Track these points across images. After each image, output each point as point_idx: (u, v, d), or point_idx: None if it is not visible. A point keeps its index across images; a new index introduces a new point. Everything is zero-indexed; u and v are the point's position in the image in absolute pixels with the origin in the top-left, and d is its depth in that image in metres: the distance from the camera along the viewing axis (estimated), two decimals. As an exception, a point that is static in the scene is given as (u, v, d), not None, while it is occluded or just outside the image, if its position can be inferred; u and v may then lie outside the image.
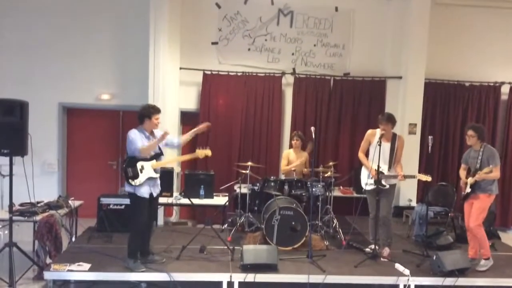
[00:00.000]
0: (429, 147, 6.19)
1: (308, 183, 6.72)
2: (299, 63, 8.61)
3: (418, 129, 8.38)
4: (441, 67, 8.60)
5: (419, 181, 8.33)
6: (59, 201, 6.40)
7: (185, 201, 6.88)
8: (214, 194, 7.38)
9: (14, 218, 5.43)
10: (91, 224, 6.96)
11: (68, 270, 5.06)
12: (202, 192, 7.21)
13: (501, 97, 8.74)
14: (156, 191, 5.39)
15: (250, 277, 5.16)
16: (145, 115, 5.27)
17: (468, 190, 5.71)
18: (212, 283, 5.20)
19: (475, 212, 5.63)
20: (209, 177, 7.36)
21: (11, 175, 5.21)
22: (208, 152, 5.56)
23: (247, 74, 8.39)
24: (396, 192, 7.55)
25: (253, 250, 5.42)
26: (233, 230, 6.80)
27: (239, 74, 8.36)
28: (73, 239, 6.51)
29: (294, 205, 6.36)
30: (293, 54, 8.60)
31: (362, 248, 6.24)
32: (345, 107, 8.60)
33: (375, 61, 8.67)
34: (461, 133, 8.64)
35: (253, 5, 8.46)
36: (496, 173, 5.54)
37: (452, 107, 8.68)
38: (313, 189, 6.60)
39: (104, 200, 6.75)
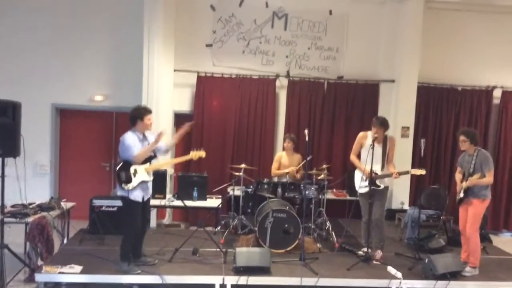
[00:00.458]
0: (422, 150, 6.23)
1: (301, 185, 6.73)
2: (293, 66, 8.63)
3: (411, 133, 8.42)
4: (434, 71, 8.65)
5: (411, 183, 8.42)
6: (51, 202, 6.36)
7: (178, 203, 6.86)
8: (207, 196, 7.38)
9: (6, 219, 5.37)
10: (83, 226, 6.92)
11: (60, 272, 5.04)
12: (195, 194, 7.20)
13: (493, 101, 8.79)
14: (148, 194, 5.40)
15: (242, 280, 5.17)
16: (136, 116, 5.26)
17: (461, 195, 5.71)
18: (205, 285, 5.19)
19: (470, 219, 5.64)
20: (203, 179, 7.35)
21: (3, 176, 5.17)
22: (202, 153, 5.58)
23: (241, 76, 8.39)
24: (389, 195, 7.58)
25: (246, 253, 5.42)
26: (226, 233, 6.80)
27: (233, 76, 8.37)
28: (65, 241, 6.47)
29: (287, 207, 6.36)
30: (287, 57, 8.62)
31: (355, 251, 6.26)
32: (339, 110, 8.62)
33: (369, 64, 8.70)
34: (453, 137, 8.67)
35: (248, 7, 8.46)
36: (489, 178, 5.54)
37: (445, 111, 8.73)
38: (306, 192, 6.62)
39: (97, 202, 6.73)
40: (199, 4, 8.38)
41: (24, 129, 5.29)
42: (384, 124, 5.96)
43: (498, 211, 8.79)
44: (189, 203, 6.90)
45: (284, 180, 7.06)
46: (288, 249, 6.18)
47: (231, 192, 7.28)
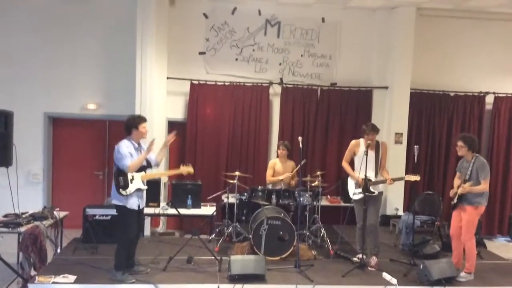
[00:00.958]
0: (415, 156, 6.25)
1: (296, 192, 6.73)
2: (287, 73, 8.65)
3: (404, 139, 8.45)
4: (426, 77, 8.71)
5: (405, 189, 8.44)
6: (44, 212, 6.30)
7: (172, 211, 6.83)
8: (202, 204, 7.35)
9: (-2, 229, 5.35)
10: (76, 235, 6.87)
11: (53, 282, 5.01)
12: (189, 202, 7.17)
13: (485, 107, 8.85)
14: (143, 203, 5.40)
15: (237, 288, 5.15)
16: (131, 125, 5.27)
17: (455, 201, 5.72)
18: (200, 294, 5.17)
19: (465, 226, 5.65)
20: (197, 187, 7.33)
21: (-5, 185, 5.14)
22: (190, 169, 5.60)
23: (235, 84, 8.40)
24: (383, 201, 7.59)
25: (240, 260, 5.41)
26: (221, 240, 6.78)
27: (226, 84, 8.37)
28: (58, 250, 6.42)
29: (282, 214, 6.35)
30: (280, 64, 8.64)
31: (350, 257, 6.25)
32: (332, 117, 8.64)
33: (362, 71, 8.74)
34: (446, 143, 8.73)
35: (241, 15, 8.49)
36: (483, 186, 5.53)
37: (438, 117, 8.77)
38: (301, 199, 6.61)
39: (90, 211, 6.68)
40: (192, 12, 8.40)
41: (16, 138, 5.27)
42: (375, 128, 6.00)
43: (492, 216, 8.82)
44: (183, 211, 6.87)
45: (279, 187, 7.06)
46: (283, 256, 6.16)
47: (225, 200, 7.27)
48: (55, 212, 6.38)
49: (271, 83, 8.52)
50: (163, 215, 7.19)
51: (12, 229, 5.58)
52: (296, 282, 5.26)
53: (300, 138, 6.03)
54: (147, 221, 7.62)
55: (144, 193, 5.42)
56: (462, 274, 5.63)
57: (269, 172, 7.43)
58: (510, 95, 8.84)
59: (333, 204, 8.19)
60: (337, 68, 8.73)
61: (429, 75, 8.75)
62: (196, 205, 7.20)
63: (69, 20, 8.23)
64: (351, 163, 6.23)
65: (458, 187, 5.72)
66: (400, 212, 8.25)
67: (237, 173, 7.00)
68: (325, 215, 7.55)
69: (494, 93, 8.83)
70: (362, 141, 6.11)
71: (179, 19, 8.33)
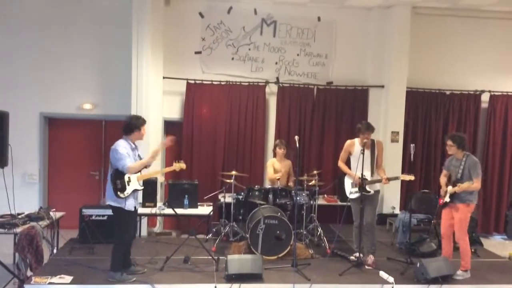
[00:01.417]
0: (411, 155, 6.26)
1: (293, 192, 6.73)
2: (283, 72, 8.65)
3: (401, 137, 8.46)
4: (422, 76, 8.72)
5: (402, 188, 8.45)
6: (40, 212, 6.27)
7: (169, 211, 6.82)
8: (199, 203, 7.34)
9: (-6, 230, 5.34)
10: (73, 235, 6.85)
11: (50, 283, 4.99)
12: (186, 202, 7.15)
13: (481, 105, 8.87)
14: (138, 203, 5.41)
15: (235, 287, 5.14)
16: (134, 126, 5.24)
17: (447, 199, 5.74)
18: (197, 293, 5.17)
19: (457, 224, 5.67)
20: (193, 187, 7.31)
21: (-10, 186, 5.12)
22: (182, 165, 5.54)
23: (231, 83, 8.39)
24: (380, 200, 7.59)
25: (237, 260, 5.41)
26: (218, 240, 6.77)
27: (222, 83, 8.36)
28: (55, 251, 6.39)
29: (279, 214, 6.36)
30: (276, 63, 8.64)
31: (347, 256, 6.26)
32: (329, 116, 8.64)
33: (358, 70, 8.75)
34: (442, 141, 8.71)
35: (237, 14, 8.49)
36: (476, 184, 5.56)
37: (434, 115, 8.79)
38: (298, 198, 6.61)
39: (86, 211, 6.66)
40: (187, 11, 8.39)
41: (12, 138, 5.25)
42: (370, 127, 6.01)
43: (489, 214, 8.85)
44: (180, 211, 6.86)
45: (275, 186, 7.06)
46: (280, 255, 6.16)
47: (222, 199, 7.27)
48: (51, 213, 6.36)
49: (267, 82, 8.52)
50: (160, 215, 7.18)
51: (8, 230, 5.56)
52: (293, 281, 5.26)
53: (296, 137, 6.03)
54: (144, 221, 7.62)
55: (139, 193, 5.42)
56: (459, 272, 5.64)
57: (269, 170, 7.43)
58: (505, 93, 8.87)
59: (330, 203, 8.19)
60: (333, 67, 8.74)
61: (425, 73, 8.77)
62: (193, 205, 7.19)
63: (65, 20, 8.21)
64: (347, 163, 6.23)
65: (447, 185, 5.76)
66: (397, 211, 8.26)
67: (233, 172, 7.00)
68: (322, 214, 7.56)
69: (489, 91, 8.85)
70: (357, 140, 6.12)
71: (175, 19, 8.32)
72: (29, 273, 5.43)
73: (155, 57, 7.89)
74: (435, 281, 5.36)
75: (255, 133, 8.49)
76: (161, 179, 7.95)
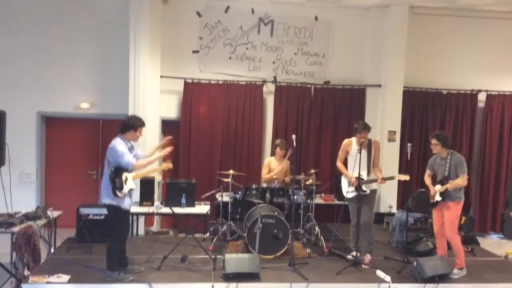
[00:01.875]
0: (408, 154, 6.28)
1: (290, 191, 6.74)
2: (280, 72, 8.66)
3: (398, 136, 8.48)
4: (419, 75, 8.74)
5: (399, 187, 8.47)
6: (37, 211, 6.27)
7: (166, 210, 6.82)
8: (196, 202, 7.32)
9: (-9, 229, 5.33)
10: (70, 234, 6.85)
11: (47, 282, 4.99)
12: (183, 201, 7.13)
13: (478, 105, 8.89)
14: (132, 202, 5.46)
15: (232, 286, 5.16)
16: (131, 126, 5.24)
17: (439, 198, 5.76)
18: (194, 293, 5.17)
19: (449, 222, 5.69)
20: (191, 186, 7.30)
21: (-13, 185, 5.11)
22: (169, 165, 5.60)
23: (228, 82, 8.40)
24: (377, 199, 7.60)
25: (235, 259, 5.41)
26: (215, 239, 6.78)
27: (220, 82, 8.37)
28: (52, 250, 6.39)
29: (276, 213, 6.37)
30: (274, 62, 8.65)
31: (344, 255, 6.27)
32: (326, 115, 8.66)
33: (355, 69, 8.76)
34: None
35: (234, 14, 8.49)
36: (464, 180, 5.61)
37: (431, 115, 8.81)
38: (295, 197, 6.62)
39: (84, 210, 6.66)
40: (185, 10, 8.38)
41: (9, 137, 5.24)
42: (367, 126, 6.04)
43: (485, 213, 8.88)
44: (177, 210, 6.85)
45: (273, 185, 7.07)
46: (278, 254, 6.17)
47: (219, 198, 7.27)
48: (48, 212, 6.36)
49: (264, 81, 8.52)
50: (157, 214, 7.16)
51: (5, 229, 5.56)
52: (290, 280, 5.27)
53: (294, 136, 6.04)
54: (141, 220, 7.62)
55: (134, 192, 5.47)
56: (455, 271, 5.67)
57: (264, 171, 7.44)
58: (502, 92, 8.89)
59: (327, 202, 8.20)
60: (331, 67, 8.75)
61: (422, 73, 8.79)
62: (190, 204, 7.18)
63: (62, 19, 8.20)
64: (345, 162, 6.25)
65: (433, 184, 5.82)
66: (394, 210, 8.28)
67: (231, 171, 7.00)
68: (319, 213, 7.57)
69: (486, 91, 8.87)
70: (354, 139, 6.14)
71: (172, 18, 8.31)
72: (26, 272, 5.43)
73: (152, 56, 7.89)
74: (431, 280, 5.38)
75: (252, 132, 8.49)
76: (158, 178, 7.95)
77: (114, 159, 5.06)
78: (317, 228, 7.04)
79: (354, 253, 6.03)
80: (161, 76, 8.17)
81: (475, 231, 8.17)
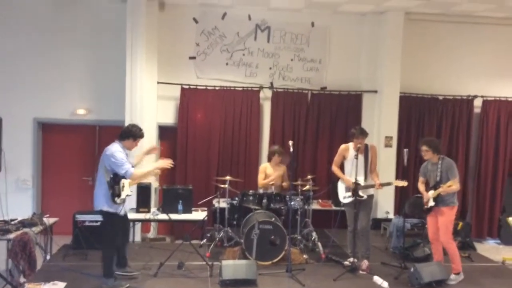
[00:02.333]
0: (405, 160, 6.30)
1: (287, 196, 6.73)
2: (277, 78, 8.67)
3: (394, 142, 8.49)
4: (415, 81, 8.76)
5: (396, 193, 8.48)
6: (33, 218, 6.23)
7: (163, 216, 6.80)
8: (193, 209, 7.31)
9: (-13, 236, 5.30)
10: (66, 241, 6.83)
11: (43, 289, 4.96)
12: (180, 207, 7.11)
13: (474, 111, 8.91)
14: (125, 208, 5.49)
15: (229, 293, 5.14)
16: (131, 134, 5.28)
17: (432, 203, 5.77)
18: (191, 299, 5.15)
19: (443, 227, 5.71)
20: (188, 192, 7.28)
21: (-17, 192, 5.09)
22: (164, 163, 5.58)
23: (225, 88, 8.40)
24: (374, 205, 7.61)
25: (232, 266, 5.41)
26: (212, 245, 6.76)
27: (217, 88, 8.37)
28: (48, 257, 6.36)
29: (273, 219, 6.36)
30: (270, 68, 8.66)
31: (341, 261, 6.27)
32: (323, 121, 8.66)
33: (351, 75, 8.78)
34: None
35: (231, 20, 8.50)
36: (456, 185, 5.64)
37: (427, 120, 8.82)
38: (292, 203, 6.62)
39: (80, 217, 6.65)
40: (182, 16, 8.39)
41: (5, 143, 5.24)
42: (364, 132, 6.07)
43: (482, 219, 8.87)
44: (174, 216, 6.84)
45: (270, 191, 7.06)
46: (275, 260, 6.16)
47: (216, 205, 7.26)
48: (44, 219, 6.32)
49: (261, 87, 8.53)
50: (154, 220, 7.13)
51: (1, 236, 5.52)
52: (287, 286, 5.27)
53: (290, 142, 6.06)
54: (138, 227, 7.59)
55: (129, 199, 5.52)
56: (452, 276, 5.67)
57: (260, 176, 7.43)
58: (498, 98, 8.92)
59: (324, 208, 8.19)
60: (327, 72, 8.77)
61: (418, 79, 8.81)
62: (187, 210, 7.16)
63: (59, 25, 8.19)
64: (341, 168, 6.26)
65: (426, 190, 5.86)
66: (391, 216, 8.28)
67: (228, 177, 7.00)
68: (316, 219, 7.57)
69: (482, 96, 8.90)
70: (351, 145, 6.16)
71: (169, 24, 8.32)
72: (22, 279, 5.39)
73: (149, 62, 7.90)
74: (428, 286, 5.39)
75: (249, 138, 8.49)
76: (155, 184, 7.93)
77: (113, 167, 5.05)
78: (314, 234, 7.04)
79: (351, 259, 6.03)
80: (158, 82, 8.16)
81: (472, 237, 8.18)
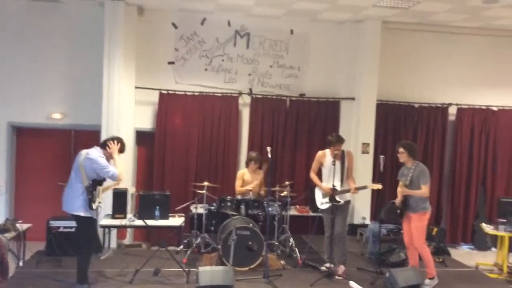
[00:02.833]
0: (381, 166, 6.38)
1: (265, 202, 6.74)
2: (256, 84, 8.70)
3: (371, 149, 8.58)
4: (392, 89, 8.88)
5: (372, 198, 8.56)
6: (6, 224, 6.14)
7: (139, 222, 6.72)
8: (170, 215, 7.25)
9: (-44, 243, 5.17)
10: (40, 248, 6.71)
11: (14, 297, 4.86)
12: (157, 213, 7.02)
13: (448, 118, 9.08)
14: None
15: (205, 299, 5.10)
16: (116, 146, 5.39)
17: (399, 200, 5.92)
18: (167, 306, 5.11)
19: (415, 233, 5.81)
20: (165, 198, 7.21)
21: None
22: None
23: (204, 94, 8.38)
24: (351, 210, 7.68)
25: (209, 272, 5.37)
26: (189, 252, 6.72)
27: (196, 94, 8.34)
28: (21, 263, 6.23)
29: (251, 224, 6.36)
30: (249, 74, 8.68)
31: (318, 266, 6.30)
32: (301, 127, 8.71)
33: (329, 82, 8.86)
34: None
35: (210, 26, 8.50)
36: (424, 191, 5.75)
37: (403, 127, 8.94)
38: (270, 209, 6.63)
39: (54, 223, 6.55)
40: (160, 22, 8.35)
41: (-23, 148, 5.12)
42: (340, 139, 6.16)
43: (456, 225, 9.01)
44: (151, 222, 6.77)
45: (248, 197, 7.06)
46: (252, 266, 6.16)
47: (194, 210, 7.22)
48: (17, 224, 6.23)
49: (240, 93, 8.54)
50: (130, 226, 7.03)
51: (-29, 242, 5.41)
52: (264, 292, 5.26)
53: (268, 148, 6.08)
54: (114, 233, 7.49)
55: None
56: (427, 281, 5.76)
57: (238, 183, 7.42)
58: (472, 106, 9.11)
59: (302, 214, 8.22)
60: (306, 79, 8.83)
61: (395, 86, 8.93)
62: (164, 216, 7.08)
63: (35, 30, 8.05)
64: (318, 174, 6.31)
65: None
66: (367, 221, 8.35)
67: (206, 183, 6.97)
68: (294, 224, 7.58)
69: (457, 104, 9.06)
70: (328, 151, 6.22)
71: (148, 29, 8.27)
72: (-7, 286, 5.29)
73: (127, 67, 7.83)
74: (404, 290, 5.43)
75: (228, 144, 8.48)
76: (131, 189, 7.84)
77: (97, 171, 5.09)
78: (291, 240, 7.05)
79: (328, 264, 6.06)
80: (136, 87, 8.10)
81: (447, 242, 8.31)
